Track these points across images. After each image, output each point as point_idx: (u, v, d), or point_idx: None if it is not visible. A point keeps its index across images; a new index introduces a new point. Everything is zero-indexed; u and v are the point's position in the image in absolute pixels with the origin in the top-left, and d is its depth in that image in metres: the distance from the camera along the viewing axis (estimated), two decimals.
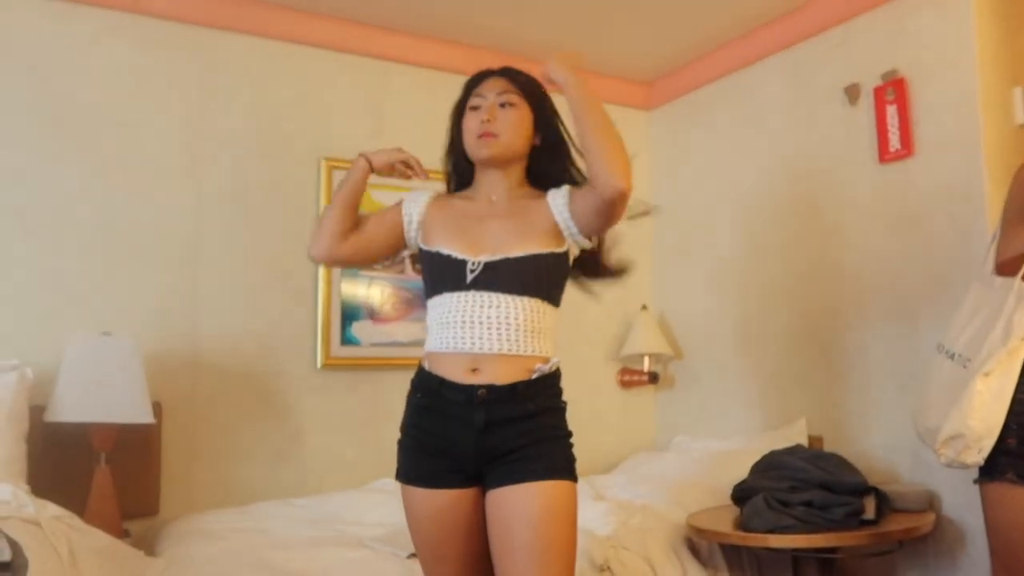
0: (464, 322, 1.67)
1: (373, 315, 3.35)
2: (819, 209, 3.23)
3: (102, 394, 2.49)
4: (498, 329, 1.66)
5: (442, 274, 1.74)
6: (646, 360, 3.87)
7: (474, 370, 1.67)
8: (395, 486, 3.01)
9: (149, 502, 2.85)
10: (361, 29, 3.42)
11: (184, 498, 2.93)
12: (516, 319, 1.67)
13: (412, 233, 1.83)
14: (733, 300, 3.61)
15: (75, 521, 2.18)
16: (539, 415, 1.68)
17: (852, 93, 3.10)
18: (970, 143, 2.72)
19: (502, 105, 1.79)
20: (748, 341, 3.52)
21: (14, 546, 1.75)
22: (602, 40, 3.59)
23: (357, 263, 1.94)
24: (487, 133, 1.76)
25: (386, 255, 1.89)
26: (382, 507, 2.84)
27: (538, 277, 1.72)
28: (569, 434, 1.74)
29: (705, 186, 3.80)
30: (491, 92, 1.81)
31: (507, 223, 1.76)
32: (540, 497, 1.61)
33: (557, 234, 1.75)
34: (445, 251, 1.74)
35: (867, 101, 3.05)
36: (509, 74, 1.85)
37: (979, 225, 2.67)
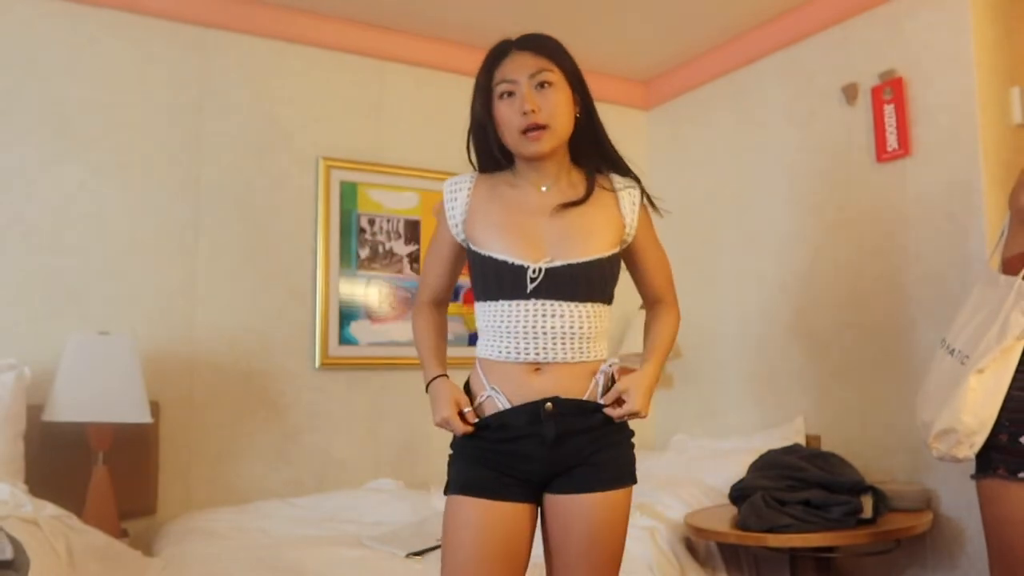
0: (527, 333, 1.56)
1: (371, 315, 3.35)
2: (816, 208, 3.24)
3: (100, 393, 2.49)
4: (562, 340, 1.57)
5: (499, 280, 1.58)
6: None
7: (536, 370, 1.58)
8: (392, 485, 3.08)
9: (147, 501, 2.85)
10: (360, 29, 3.42)
11: (182, 497, 2.94)
12: (580, 328, 1.58)
13: (461, 236, 1.67)
14: (731, 299, 3.61)
15: (73, 521, 2.18)
16: (609, 422, 1.61)
17: (850, 93, 3.10)
18: (968, 143, 2.72)
19: (540, 86, 1.58)
20: (746, 340, 3.52)
21: (15, 544, 1.75)
22: (600, 39, 3.59)
23: None
24: (534, 125, 1.55)
25: (463, 265, 1.75)
26: (380, 507, 2.85)
27: (602, 280, 1.61)
28: (632, 433, 1.68)
29: (703, 185, 3.80)
30: (522, 73, 1.58)
31: (564, 220, 1.60)
32: (604, 508, 1.57)
33: (619, 233, 1.65)
34: (500, 256, 1.58)
35: (865, 101, 3.06)
36: (534, 45, 1.62)
37: (976, 225, 2.68)
